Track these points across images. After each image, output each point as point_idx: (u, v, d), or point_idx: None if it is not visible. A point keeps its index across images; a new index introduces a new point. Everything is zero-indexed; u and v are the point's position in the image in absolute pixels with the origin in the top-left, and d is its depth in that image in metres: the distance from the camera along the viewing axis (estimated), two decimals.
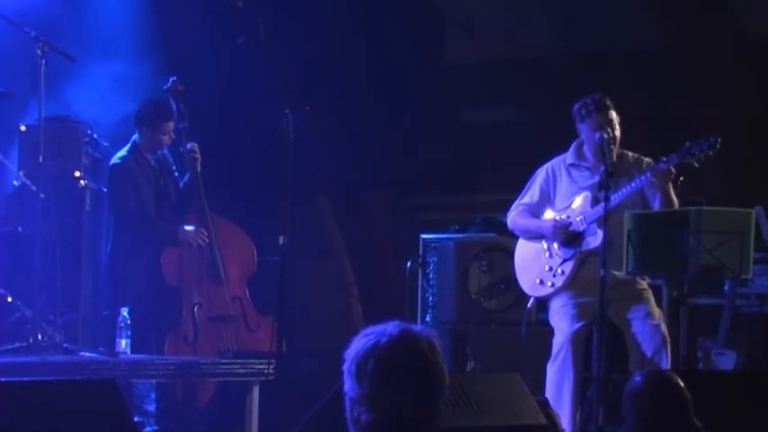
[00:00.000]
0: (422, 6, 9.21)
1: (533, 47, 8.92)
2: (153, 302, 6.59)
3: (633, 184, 6.02)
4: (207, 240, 6.74)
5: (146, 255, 6.65)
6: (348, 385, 2.73)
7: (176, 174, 6.98)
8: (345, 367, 2.74)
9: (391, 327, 2.73)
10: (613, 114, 6.10)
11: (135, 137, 6.84)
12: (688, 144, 5.87)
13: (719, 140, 5.81)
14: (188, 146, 6.85)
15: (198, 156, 6.85)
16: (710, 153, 5.83)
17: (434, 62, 9.28)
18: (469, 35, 9.17)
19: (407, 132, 8.87)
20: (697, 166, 5.86)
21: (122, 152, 6.83)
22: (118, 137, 7.16)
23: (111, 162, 6.85)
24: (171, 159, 6.97)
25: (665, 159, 5.96)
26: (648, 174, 5.99)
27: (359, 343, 2.73)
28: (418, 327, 2.76)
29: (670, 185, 5.99)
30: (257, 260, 6.93)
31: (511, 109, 9.14)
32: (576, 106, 6.17)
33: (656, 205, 6.04)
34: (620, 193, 5.99)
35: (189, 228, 6.75)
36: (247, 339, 6.69)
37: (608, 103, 6.11)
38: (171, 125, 6.81)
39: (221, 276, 6.74)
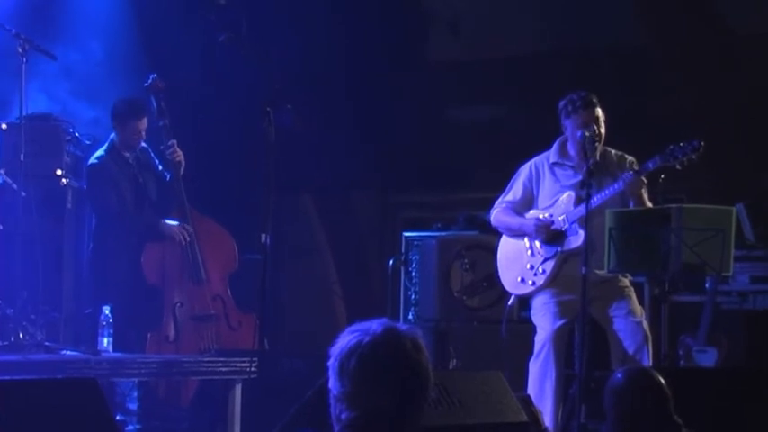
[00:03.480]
0: (407, 4, 9.21)
1: (518, 44, 8.92)
2: (134, 301, 6.58)
3: (615, 186, 6.01)
4: (189, 237, 6.73)
5: (127, 254, 6.64)
6: (331, 382, 2.74)
7: (160, 168, 6.96)
8: (330, 364, 2.75)
9: (376, 325, 2.72)
10: (599, 111, 6.10)
11: (112, 135, 6.83)
12: (671, 147, 5.86)
13: (702, 144, 5.81)
14: (168, 143, 6.83)
15: (179, 153, 6.82)
16: (694, 157, 5.83)
17: (419, 59, 9.28)
18: (454, 32, 9.17)
19: (391, 130, 8.87)
20: (680, 169, 5.87)
21: (100, 152, 6.82)
22: (98, 136, 7.14)
23: (89, 162, 6.84)
24: (152, 154, 6.96)
25: (648, 162, 5.95)
26: (631, 175, 6.00)
27: (343, 340, 2.73)
28: (403, 326, 2.75)
29: (642, 192, 6.01)
30: (240, 258, 6.92)
31: (495, 107, 9.14)
32: (562, 103, 6.17)
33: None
34: (602, 194, 5.99)
35: (172, 222, 6.75)
36: (229, 337, 6.69)
37: (594, 100, 6.11)
38: (143, 123, 6.77)
39: (202, 276, 6.74)
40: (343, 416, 2.71)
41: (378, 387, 2.68)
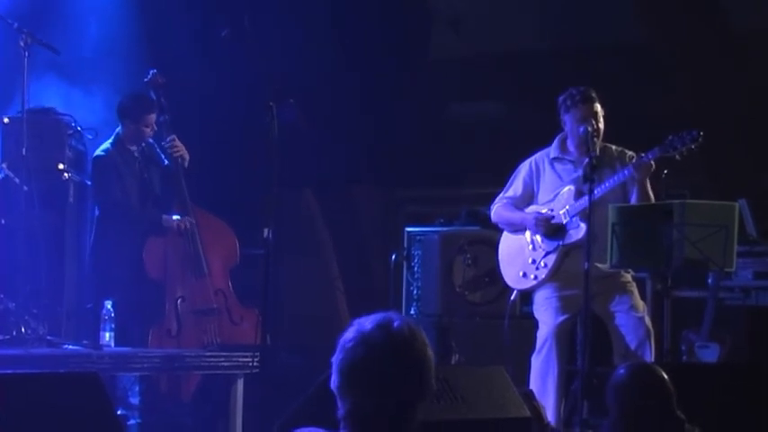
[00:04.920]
0: (409, 1, 9.21)
1: (519, 41, 8.93)
2: (136, 295, 6.58)
3: (616, 178, 6.03)
4: (189, 227, 6.73)
5: (129, 247, 6.63)
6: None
7: (165, 163, 6.97)
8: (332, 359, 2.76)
9: (369, 321, 2.71)
10: (598, 107, 6.12)
11: (118, 129, 6.84)
12: (671, 137, 5.88)
13: (701, 134, 5.83)
14: (168, 138, 6.84)
15: (179, 148, 6.83)
16: (693, 147, 5.84)
17: (421, 56, 9.29)
18: (455, 30, 9.17)
19: (393, 126, 8.87)
20: (679, 159, 5.88)
21: (105, 145, 6.82)
22: (100, 130, 7.14)
23: (95, 154, 6.84)
24: (158, 149, 6.96)
25: (647, 152, 5.97)
26: (631, 167, 6.01)
27: (344, 336, 2.73)
28: (398, 321, 2.72)
29: (647, 180, 6.01)
30: (242, 253, 6.92)
31: (496, 103, 9.16)
32: (561, 98, 6.19)
33: (633, 199, 6.06)
34: (603, 186, 6.00)
35: (172, 217, 6.75)
36: (231, 332, 6.69)
37: (593, 95, 6.13)
38: (153, 117, 6.80)
39: (204, 269, 6.74)
40: (340, 412, 2.71)
41: (363, 383, 2.67)
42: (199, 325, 6.66)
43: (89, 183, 7.01)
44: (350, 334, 2.70)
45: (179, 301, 6.65)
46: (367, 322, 2.71)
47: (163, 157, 6.95)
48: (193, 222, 6.77)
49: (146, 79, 6.87)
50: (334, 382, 2.71)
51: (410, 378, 2.68)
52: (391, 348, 2.67)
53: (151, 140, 6.91)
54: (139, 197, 6.82)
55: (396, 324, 2.69)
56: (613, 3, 8.60)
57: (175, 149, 6.82)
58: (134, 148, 6.85)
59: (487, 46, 9.00)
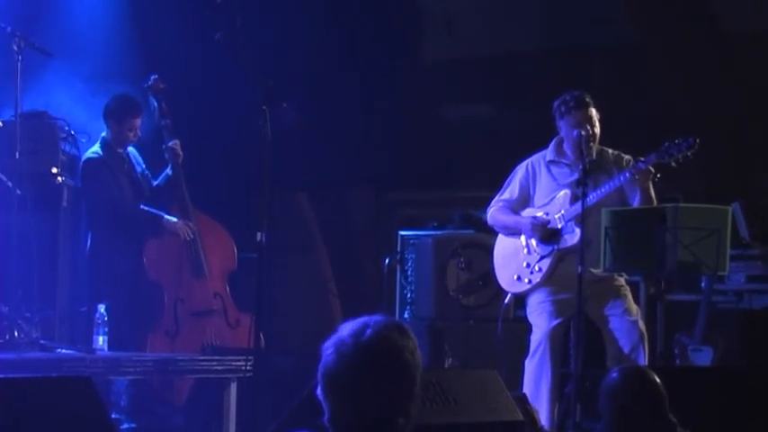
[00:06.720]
0: (402, 3, 9.21)
1: (513, 43, 8.93)
2: (134, 298, 6.58)
3: (612, 183, 6.03)
4: (192, 235, 6.74)
5: (127, 250, 6.63)
6: None
7: (146, 172, 6.97)
8: None
9: (348, 328, 2.69)
10: (593, 111, 6.11)
11: (104, 133, 6.85)
12: (667, 144, 5.88)
13: (698, 141, 5.82)
14: (170, 143, 6.85)
15: (180, 153, 6.86)
16: (689, 154, 5.84)
17: (414, 58, 9.28)
18: (449, 31, 9.17)
19: (387, 128, 8.87)
20: (675, 166, 5.88)
21: (94, 148, 6.83)
22: (94, 134, 7.14)
23: (85, 158, 6.84)
24: (137, 158, 6.97)
25: (643, 159, 5.97)
26: (628, 173, 6.01)
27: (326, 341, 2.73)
28: (370, 330, 2.66)
29: (650, 184, 6.01)
30: (236, 257, 6.93)
31: (490, 105, 9.15)
32: (556, 103, 6.19)
33: (636, 203, 6.06)
34: (599, 191, 6.00)
35: (173, 219, 6.76)
36: (227, 336, 6.69)
37: (587, 100, 6.13)
38: (137, 121, 6.80)
39: (204, 270, 6.75)
40: (324, 417, 2.71)
41: (340, 391, 2.66)
42: (197, 326, 6.67)
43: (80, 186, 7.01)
44: (329, 340, 2.69)
45: (178, 302, 6.65)
46: (346, 329, 2.69)
47: (143, 166, 6.95)
48: (194, 228, 6.78)
49: (146, 84, 6.89)
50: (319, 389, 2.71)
51: (384, 387, 2.65)
52: (360, 359, 2.63)
53: (133, 150, 6.92)
54: (134, 195, 6.83)
55: (367, 333, 2.65)
56: (608, 4, 8.61)
57: (178, 154, 6.84)
58: (121, 150, 6.86)
59: (481, 47, 9.00)
